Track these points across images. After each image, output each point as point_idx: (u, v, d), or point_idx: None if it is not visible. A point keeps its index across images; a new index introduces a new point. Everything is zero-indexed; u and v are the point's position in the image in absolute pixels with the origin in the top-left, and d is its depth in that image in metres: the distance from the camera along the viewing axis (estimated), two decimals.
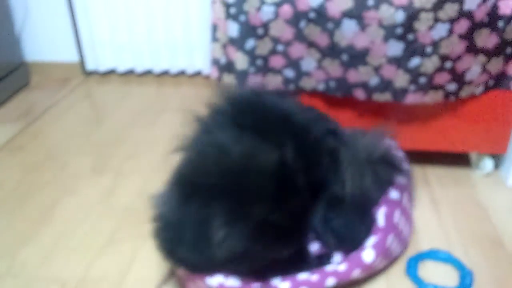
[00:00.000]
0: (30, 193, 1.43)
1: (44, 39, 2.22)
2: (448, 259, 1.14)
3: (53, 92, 2.13)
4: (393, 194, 1.06)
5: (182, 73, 2.22)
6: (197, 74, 2.20)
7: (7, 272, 1.14)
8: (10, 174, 1.53)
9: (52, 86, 2.19)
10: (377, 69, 1.23)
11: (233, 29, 1.26)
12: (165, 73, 2.23)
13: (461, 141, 1.38)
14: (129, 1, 2.05)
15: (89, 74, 2.27)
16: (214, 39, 1.32)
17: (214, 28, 1.31)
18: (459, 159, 1.50)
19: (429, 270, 1.11)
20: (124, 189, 1.44)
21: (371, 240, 1.02)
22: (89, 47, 2.20)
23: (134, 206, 1.36)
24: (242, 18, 1.24)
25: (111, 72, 2.27)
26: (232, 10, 1.24)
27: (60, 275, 1.12)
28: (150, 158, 1.59)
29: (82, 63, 2.24)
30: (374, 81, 1.25)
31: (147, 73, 2.24)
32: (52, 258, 1.18)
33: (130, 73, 2.25)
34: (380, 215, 1.03)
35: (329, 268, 1.00)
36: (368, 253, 1.01)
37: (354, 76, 1.26)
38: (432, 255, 1.14)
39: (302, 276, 0.97)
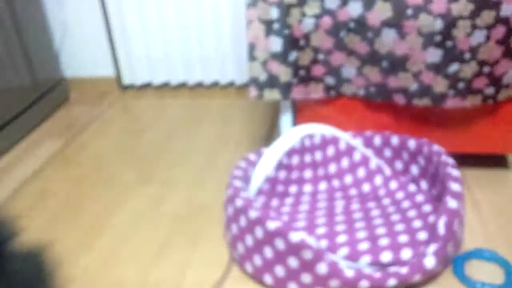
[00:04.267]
0: (83, 204, 1.50)
1: (81, 55, 2.31)
2: (493, 257, 1.16)
3: (92, 106, 2.21)
4: (451, 203, 1.09)
5: (215, 84, 2.28)
6: (230, 84, 2.26)
7: (70, 279, 1.20)
8: (61, 186, 1.60)
9: (91, 101, 2.27)
10: (416, 75, 1.27)
11: (276, 44, 1.31)
12: (199, 85, 2.30)
13: (500, 143, 1.41)
14: (163, 17, 2.13)
15: (125, 88, 2.35)
16: (252, 58, 1.36)
17: (252, 47, 1.35)
18: (497, 161, 1.52)
19: (475, 269, 1.14)
20: (171, 198, 1.50)
21: (432, 248, 1.06)
22: (125, 62, 2.27)
23: (182, 213, 1.41)
24: (286, 32, 1.30)
25: (146, 86, 2.34)
26: (276, 26, 1.29)
27: (120, 280, 1.18)
28: (192, 167, 1.65)
29: (118, 77, 2.32)
30: (413, 86, 1.29)
31: (182, 85, 2.31)
32: (110, 265, 1.23)
33: (165, 86, 2.33)
34: (441, 224, 1.07)
35: (392, 269, 1.04)
36: (429, 260, 1.05)
37: (394, 82, 1.30)
38: (477, 254, 1.17)
39: (367, 270, 1.02)
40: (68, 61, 2.34)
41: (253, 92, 1.39)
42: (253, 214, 1.06)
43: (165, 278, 1.18)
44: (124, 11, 2.14)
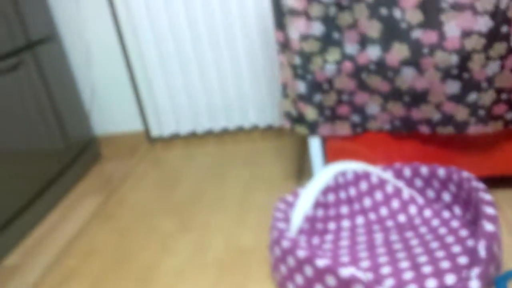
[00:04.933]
0: (129, 257, 1.57)
1: (110, 112, 2.43)
2: None
3: (124, 161, 2.31)
4: (488, 226, 1.14)
5: (239, 129, 2.37)
6: (254, 128, 2.35)
7: None
8: (106, 240, 1.68)
9: (122, 156, 2.37)
10: (438, 106, 1.35)
11: (301, 86, 1.41)
12: (224, 131, 2.39)
13: None
14: (186, 70, 2.24)
15: (154, 140, 2.45)
16: (285, 95, 1.47)
17: (284, 86, 1.46)
18: None
19: None
20: (213, 243, 1.56)
21: (476, 271, 1.11)
22: (152, 115, 2.38)
23: (226, 258, 1.47)
24: (309, 77, 1.39)
25: (174, 137, 2.44)
26: (299, 71, 1.39)
27: None
28: (229, 211, 1.72)
29: (147, 131, 2.43)
30: (436, 116, 1.36)
31: (208, 133, 2.41)
32: None
33: (191, 135, 2.42)
34: (481, 247, 1.12)
35: None
36: (474, 283, 1.09)
37: (417, 113, 1.38)
38: None
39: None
40: (97, 119, 2.45)
41: (286, 124, 1.50)
42: (301, 253, 1.12)
43: None
44: (148, 68, 2.26)
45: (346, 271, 1.05)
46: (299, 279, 1.15)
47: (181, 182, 2.01)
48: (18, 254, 1.70)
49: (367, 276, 1.06)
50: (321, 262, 1.08)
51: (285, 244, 1.18)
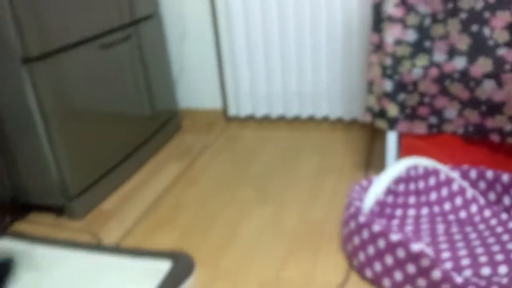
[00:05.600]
0: (212, 215, 1.79)
1: (194, 88, 2.66)
2: None
3: (202, 135, 2.54)
4: None
5: (310, 119, 2.56)
6: (325, 119, 2.53)
7: (214, 277, 1.48)
8: (191, 199, 1.91)
9: (201, 130, 2.60)
10: (511, 118, 1.49)
11: (388, 85, 1.58)
12: (296, 119, 2.58)
13: None
14: (269, 57, 2.44)
15: (230, 119, 2.67)
16: (370, 92, 1.65)
17: (371, 83, 1.64)
18: None
19: None
20: (287, 215, 1.76)
21: None
22: (232, 95, 2.60)
23: (300, 229, 1.67)
24: (396, 77, 1.56)
25: (249, 118, 2.65)
26: (389, 71, 1.56)
27: (257, 278, 1.44)
28: (302, 191, 1.91)
29: (225, 109, 2.65)
30: (508, 127, 1.51)
31: (280, 118, 2.61)
32: (246, 267, 1.50)
33: (265, 119, 2.63)
34: None
35: (494, 279, 1.24)
36: None
37: (490, 123, 1.53)
38: None
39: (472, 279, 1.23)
40: (182, 93, 2.69)
41: (368, 117, 1.67)
42: (376, 227, 1.31)
43: (295, 278, 1.43)
44: (235, 51, 2.47)
45: (416, 246, 1.23)
46: (370, 250, 1.33)
47: (256, 159, 2.22)
48: (114, 202, 1.96)
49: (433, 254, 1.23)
50: (395, 237, 1.26)
51: (362, 218, 1.37)
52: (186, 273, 1.45)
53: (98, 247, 1.64)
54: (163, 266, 1.47)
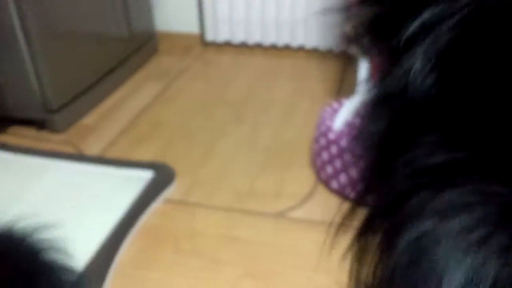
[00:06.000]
0: (191, 132, 1.88)
1: (172, 10, 2.66)
2: None
3: (179, 58, 2.58)
4: None
5: (287, 47, 2.62)
6: (300, 48, 2.60)
7: (193, 186, 1.59)
8: (170, 117, 1.99)
9: (178, 53, 2.63)
10: None
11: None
12: (272, 47, 2.64)
13: None
14: None
15: (207, 44, 2.71)
16: (346, 18, 1.71)
17: (346, 10, 1.70)
18: None
19: None
20: (262, 134, 1.86)
21: None
22: (209, 20, 2.62)
23: (274, 146, 1.78)
24: None
25: (226, 44, 2.69)
26: None
27: (234, 187, 1.57)
28: (277, 112, 2.01)
29: (202, 34, 2.67)
30: None
31: (257, 45, 2.66)
32: (224, 177, 1.62)
33: (242, 45, 2.67)
34: None
35: None
36: None
37: None
38: None
39: None
40: (159, 15, 2.69)
41: (342, 44, 1.75)
42: (344, 143, 1.43)
43: (267, 189, 1.56)
44: None
45: None
46: (337, 163, 1.46)
47: (233, 83, 2.29)
48: (94, 117, 2.02)
49: None
50: None
51: (331, 135, 1.48)
52: (167, 182, 1.55)
53: (81, 157, 1.72)
54: (145, 175, 1.57)
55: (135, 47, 2.41)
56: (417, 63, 0.29)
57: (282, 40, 2.58)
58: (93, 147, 1.82)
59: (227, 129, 1.90)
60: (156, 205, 1.48)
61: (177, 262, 1.29)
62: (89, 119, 2.01)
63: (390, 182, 0.31)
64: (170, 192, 1.53)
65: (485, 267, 0.26)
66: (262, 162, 1.69)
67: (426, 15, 0.28)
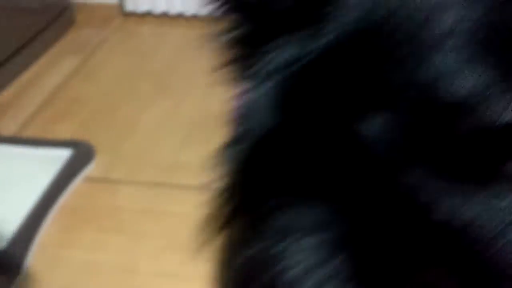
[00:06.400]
0: (112, 108, 1.84)
1: None
2: None
3: (98, 30, 2.48)
4: None
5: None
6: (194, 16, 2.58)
7: (114, 163, 1.57)
8: (89, 93, 1.93)
9: (96, 25, 2.53)
10: None
11: None
12: (194, 17, 2.60)
13: None
14: None
15: (127, 14, 2.62)
16: None
17: None
18: None
19: None
20: (185, 107, 1.85)
21: None
22: None
23: (197, 119, 1.78)
24: None
25: (147, 14, 2.62)
26: None
27: (158, 160, 1.56)
28: (199, 84, 2.00)
29: (121, 4, 2.58)
30: None
31: (179, 16, 2.61)
32: (148, 150, 1.61)
33: (164, 15, 2.61)
34: None
35: None
36: None
37: None
38: None
39: None
40: None
41: None
42: None
43: (191, 162, 1.56)
44: None
45: None
46: None
47: (155, 55, 2.24)
48: (8, 95, 1.92)
49: None
50: None
51: None
52: (86, 160, 1.52)
53: None
54: (63, 154, 1.53)
55: (49, 19, 2.30)
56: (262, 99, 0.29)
57: (204, 10, 2.54)
58: (8, 127, 1.74)
59: (149, 103, 1.87)
60: (76, 184, 1.45)
61: (99, 240, 1.28)
62: (2, 98, 1.90)
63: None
64: (90, 169, 1.50)
65: None
66: (185, 136, 1.69)
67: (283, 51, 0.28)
